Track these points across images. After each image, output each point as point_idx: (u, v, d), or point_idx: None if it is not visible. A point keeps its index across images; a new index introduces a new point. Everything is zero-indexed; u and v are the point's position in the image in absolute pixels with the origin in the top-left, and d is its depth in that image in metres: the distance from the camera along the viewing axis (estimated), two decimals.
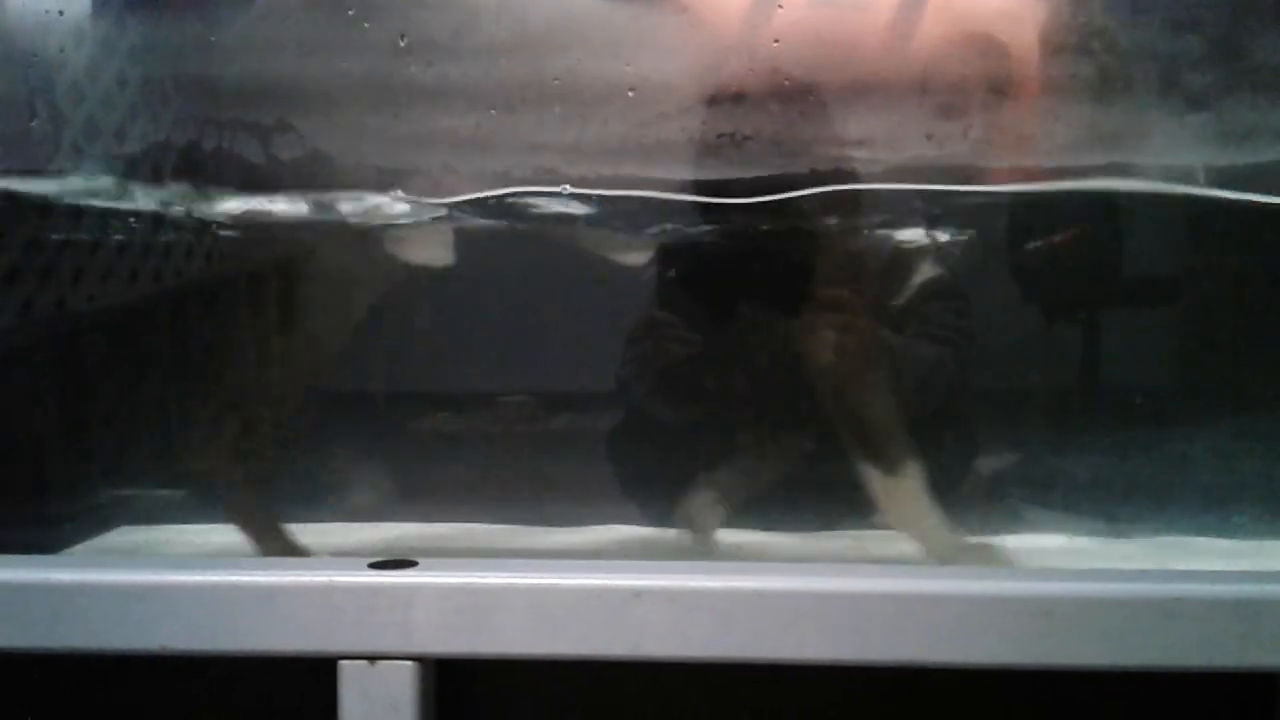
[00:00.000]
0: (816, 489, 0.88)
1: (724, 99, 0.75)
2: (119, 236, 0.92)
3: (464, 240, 0.85)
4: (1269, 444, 0.83)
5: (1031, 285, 0.87)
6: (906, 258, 0.85)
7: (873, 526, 0.84)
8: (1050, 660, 0.62)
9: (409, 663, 0.63)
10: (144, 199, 0.87)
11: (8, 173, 0.86)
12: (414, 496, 0.93)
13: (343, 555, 0.73)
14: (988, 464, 0.88)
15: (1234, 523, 0.82)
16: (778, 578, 0.63)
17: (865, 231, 0.82)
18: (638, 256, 0.86)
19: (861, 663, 0.62)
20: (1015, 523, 0.84)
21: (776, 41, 0.75)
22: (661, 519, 0.88)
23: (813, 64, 0.74)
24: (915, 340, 0.87)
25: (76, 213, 0.90)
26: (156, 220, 0.89)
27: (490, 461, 0.94)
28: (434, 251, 0.86)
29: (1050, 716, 0.67)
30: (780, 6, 0.74)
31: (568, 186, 0.78)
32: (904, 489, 0.80)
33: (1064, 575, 0.64)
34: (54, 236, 0.90)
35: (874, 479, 0.80)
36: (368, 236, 0.83)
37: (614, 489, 0.91)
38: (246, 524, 0.85)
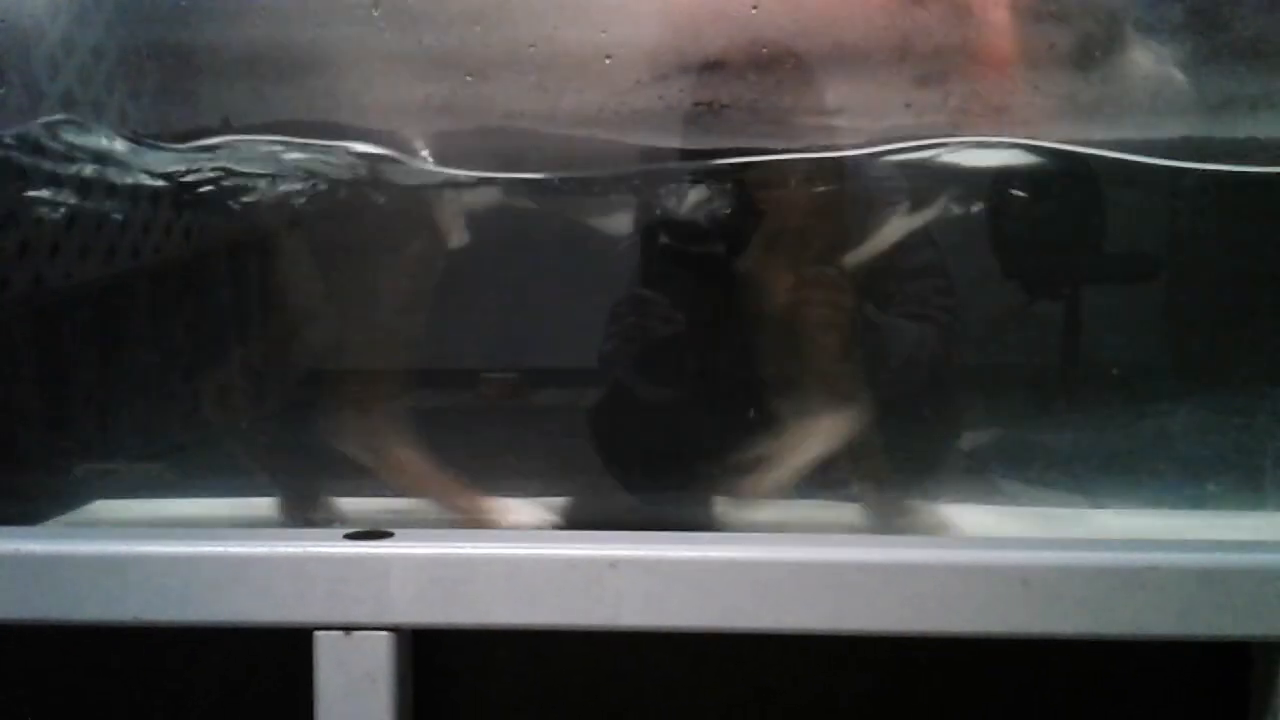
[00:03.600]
0: None
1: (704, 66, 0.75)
2: (94, 211, 0.91)
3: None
4: (1244, 417, 0.84)
5: (1009, 259, 0.87)
6: (885, 233, 0.85)
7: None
8: (1027, 629, 0.62)
9: (385, 633, 0.63)
10: (121, 172, 0.86)
11: None
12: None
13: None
14: (968, 438, 0.88)
15: (1209, 493, 0.82)
16: (755, 548, 0.63)
17: (844, 206, 0.82)
18: (616, 228, 0.85)
19: (839, 632, 0.63)
20: (992, 495, 0.84)
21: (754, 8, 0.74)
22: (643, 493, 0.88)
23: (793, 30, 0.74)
24: (897, 318, 0.87)
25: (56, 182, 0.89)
26: (130, 193, 0.88)
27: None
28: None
29: (1027, 685, 0.67)
30: None
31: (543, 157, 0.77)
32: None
33: (1041, 545, 0.64)
34: (33, 209, 0.89)
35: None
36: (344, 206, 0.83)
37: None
38: None
